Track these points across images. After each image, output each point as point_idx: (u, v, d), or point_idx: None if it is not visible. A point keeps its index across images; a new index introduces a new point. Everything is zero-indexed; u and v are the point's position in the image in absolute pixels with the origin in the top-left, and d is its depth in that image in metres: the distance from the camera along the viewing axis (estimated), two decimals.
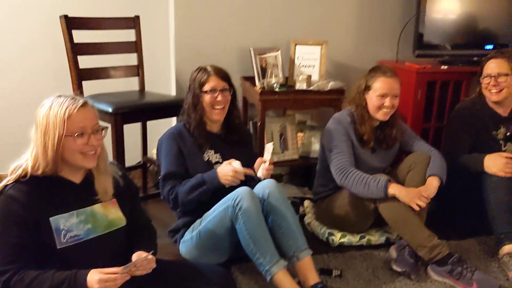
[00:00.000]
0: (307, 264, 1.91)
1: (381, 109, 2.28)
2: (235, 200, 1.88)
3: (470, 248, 2.36)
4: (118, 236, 1.60)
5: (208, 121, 2.14)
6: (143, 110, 2.51)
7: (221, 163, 2.10)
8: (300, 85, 2.73)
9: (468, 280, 1.99)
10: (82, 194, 1.55)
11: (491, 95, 2.46)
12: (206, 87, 2.08)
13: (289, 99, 2.67)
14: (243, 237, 1.86)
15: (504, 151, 2.47)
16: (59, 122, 1.44)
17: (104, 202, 1.58)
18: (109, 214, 1.58)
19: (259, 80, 2.73)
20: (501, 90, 2.42)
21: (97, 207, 1.56)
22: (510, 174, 2.24)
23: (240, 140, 2.23)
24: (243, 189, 1.91)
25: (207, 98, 2.07)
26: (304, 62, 2.89)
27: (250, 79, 2.80)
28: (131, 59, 2.76)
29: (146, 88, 2.80)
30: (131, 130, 2.71)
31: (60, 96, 1.50)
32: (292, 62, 2.89)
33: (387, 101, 2.26)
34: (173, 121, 2.91)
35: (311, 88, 2.71)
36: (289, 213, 1.96)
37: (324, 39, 2.89)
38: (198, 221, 2.04)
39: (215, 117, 2.11)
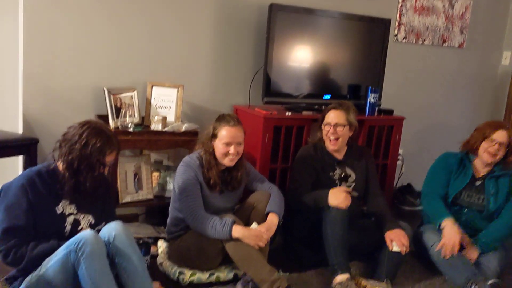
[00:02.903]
0: None
1: (227, 156, 2.43)
2: (77, 245, 1.83)
3: (309, 280, 2.57)
4: None
5: None
6: None
7: (75, 214, 2.04)
8: (156, 126, 2.79)
9: None
10: None
11: (329, 144, 2.77)
12: (108, 159, 2.01)
13: (143, 139, 2.71)
14: (85, 282, 1.82)
15: None
16: None
17: None
18: None
19: (113, 119, 2.73)
20: (337, 139, 2.74)
21: None
22: (347, 206, 2.48)
23: (97, 190, 2.11)
24: (87, 233, 1.88)
25: (99, 167, 2.00)
26: (161, 103, 2.97)
27: (105, 118, 2.79)
28: None
29: None
30: None
31: None
32: (148, 102, 2.94)
33: (231, 149, 2.42)
34: (19, 159, 2.76)
35: (166, 129, 2.78)
36: (135, 256, 1.96)
37: (181, 82, 3.01)
38: (38, 268, 1.95)
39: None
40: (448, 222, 2.59)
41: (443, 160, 2.87)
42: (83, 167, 1.97)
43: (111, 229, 1.96)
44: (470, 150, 2.81)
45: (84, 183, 2.00)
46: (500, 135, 2.69)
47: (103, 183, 2.14)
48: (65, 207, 2.03)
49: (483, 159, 2.74)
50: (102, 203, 2.14)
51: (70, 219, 2.03)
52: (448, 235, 2.54)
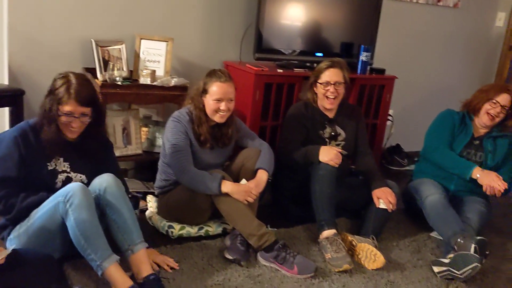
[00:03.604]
0: (141, 257, 1.94)
1: (218, 112, 2.40)
2: (66, 196, 1.84)
3: (296, 234, 2.61)
4: None
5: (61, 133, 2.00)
6: None
7: (68, 172, 2.03)
8: (144, 80, 2.74)
9: (290, 264, 2.21)
10: None
11: (327, 103, 2.72)
12: (64, 109, 1.92)
13: (132, 93, 2.67)
14: (73, 233, 1.83)
15: None
16: None
17: None
18: None
19: (100, 72, 2.67)
20: (335, 97, 2.71)
21: None
22: (337, 165, 2.50)
23: (96, 150, 2.10)
24: (75, 185, 1.88)
25: (62, 118, 1.93)
26: (150, 57, 2.91)
27: (92, 71, 2.73)
28: None
29: None
30: None
31: None
32: (137, 56, 2.88)
33: (222, 105, 2.38)
34: (5, 111, 2.72)
35: (155, 83, 2.74)
36: (125, 208, 1.97)
37: (171, 36, 2.95)
38: (27, 218, 1.95)
39: (69, 135, 2.00)
40: (479, 170, 2.65)
41: (448, 115, 2.87)
42: (46, 117, 1.93)
43: (102, 181, 1.96)
44: (471, 110, 2.84)
45: (60, 137, 1.96)
46: (503, 98, 2.73)
47: (99, 143, 2.10)
48: (58, 164, 2.01)
49: (482, 120, 2.78)
50: (100, 164, 2.10)
51: (62, 177, 2.01)
52: (488, 180, 2.60)
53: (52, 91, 1.94)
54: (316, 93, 2.78)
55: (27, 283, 1.65)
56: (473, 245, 2.26)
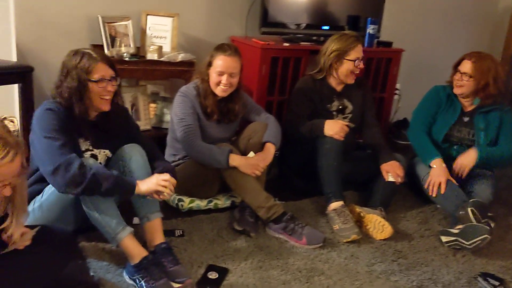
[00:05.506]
0: (156, 225, 1.99)
1: (219, 85, 2.41)
2: None
3: (304, 207, 2.64)
4: None
5: (89, 109, 1.98)
6: None
7: (91, 150, 2.02)
8: (151, 56, 2.75)
9: (299, 235, 2.25)
10: None
11: (352, 78, 2.70)
12: (94, 76, 1.89)
13: (139, 69, 2.69)
14: (87, 206, 1.87)
15: None
16: None
17: None
18: None
19: (108, 49, 2.68)
20: (358, 72, 2.71)
21: None
22: (342, 138, 2.51)
23: (115, 127, 2.09)
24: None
25: (95, 87, 1.90)
26: (156, 33, 2.91)
27: (100, 47, 2.74)
28: None
29: None
30: None
31: None
32: (143, 32, 2.89)
33: (223, 79, 2.38)
34: (14, 88, 2.74)
35: (162, 59, 2.74)
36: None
37: (176, 11, 2.94)
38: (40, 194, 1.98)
39: (103, 107, 1.96)
40: (437, 162, 2.62)
41: (434, 93, 2.84)
42: (76, 93, 1.88)
43: (128, 149, 2.01)
44: (451, 84, 2.80)
45: (84, 113, 1.94)
46: (463, 66, 2.69)
47: (119, 115, 2.09)
48: (81, 144, 1.99)
49: (456, 92, 2.74)
50: (122, 136, 2.09)
51: (87, 155, 1.99)
52: (435, 175, 2.58)
53: (72, 68, 1.88)
54: (336, 69, 2.71)
55: (49, 260, 1.65)
56: (469, 209, 2.27)
